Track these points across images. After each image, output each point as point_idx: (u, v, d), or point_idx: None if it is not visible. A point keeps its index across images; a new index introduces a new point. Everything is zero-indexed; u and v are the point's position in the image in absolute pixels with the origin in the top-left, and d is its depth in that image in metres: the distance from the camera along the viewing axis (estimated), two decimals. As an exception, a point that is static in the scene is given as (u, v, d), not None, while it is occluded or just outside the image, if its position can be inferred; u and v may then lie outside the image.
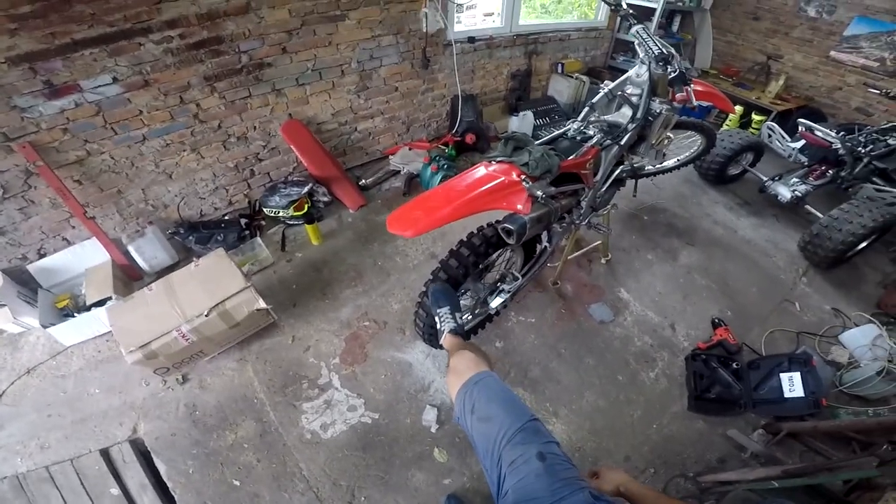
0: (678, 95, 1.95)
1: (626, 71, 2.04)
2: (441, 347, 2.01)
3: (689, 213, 3.27)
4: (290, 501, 1.84)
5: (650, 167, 3.03)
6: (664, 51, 1.82)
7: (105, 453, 1.91)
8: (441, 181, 3.00)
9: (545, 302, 2.60)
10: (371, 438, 2.02)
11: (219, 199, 2.93)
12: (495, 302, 2.22)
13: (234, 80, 2.52)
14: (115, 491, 1.81)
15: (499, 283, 2.23)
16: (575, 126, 2.04)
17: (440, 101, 3.61)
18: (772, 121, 3.58)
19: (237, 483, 1.89)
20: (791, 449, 2.00)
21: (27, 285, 2.44)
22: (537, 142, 1.93)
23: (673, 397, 2.22)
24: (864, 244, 2.87)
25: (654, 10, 4.03)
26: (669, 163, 3.16)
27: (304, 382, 2.19)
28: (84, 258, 2.51)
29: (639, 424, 2.11)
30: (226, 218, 2.93)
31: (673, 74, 1.84)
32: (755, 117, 3.98)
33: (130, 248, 2.56)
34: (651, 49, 1.83)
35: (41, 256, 2.49)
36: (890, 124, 3.17)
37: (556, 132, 2.06)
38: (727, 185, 3.55)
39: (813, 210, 3.05)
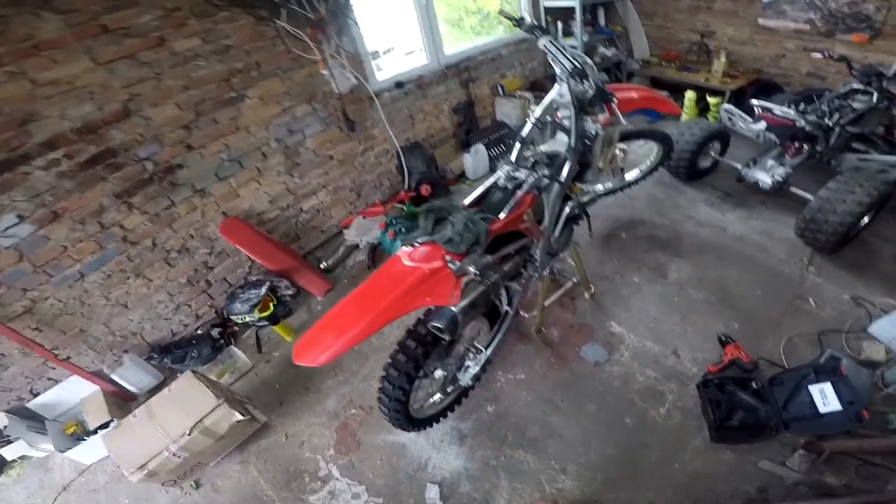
0: (601, 117, 1.82)
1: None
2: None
3: (669, 220, 3.11)
4: None
5: (611, 185, 2.87)
6: (576, 64, 1.64)
7: None
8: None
9: (531, 354, 2.47)
10: None
11: (184, 315, 2.87)
12: (465, 377, 2.09)
13: (148, 192, 2.44)
14: None
15: (464, 361, 2.11)
16: (505, 171, 1.80)
17: (385, 157, 3.52)
18: (727, 102, 3.41)
19: None
20: (842, 466, 1.81)
21: (34, 419, 2.55)
22: (466, 200, 1.79)
23: (691, 431, 2.07)
24: (867, 219, 2.68)
25: (573, 8, 3.92)
26: (630, 175, 2.99)
27: (305, 476, 2.23)
28: (75, 390, 2.59)
29: (658, 467, 1.98)
30: (198, 333, 2.90)
31: (591, 92, 1.67)
32: (710, 100, 3.83)
33: (114, 377, 2.62)
34: (564, 64, 1.66)
35: (35, 395, 2.53)
36: (848, 87, 2.98)
37: (486, 184, 1.87)
38: (702, 180, 3.38)
39: (800, 192, 2.84)
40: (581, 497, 1.94)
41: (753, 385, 2.05)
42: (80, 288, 2.38)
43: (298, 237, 3.25)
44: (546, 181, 1.78)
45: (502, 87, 3.99)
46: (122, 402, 2.65)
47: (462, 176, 3.77)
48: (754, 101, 3.03)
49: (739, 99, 3.70)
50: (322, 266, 3.19)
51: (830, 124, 2.82)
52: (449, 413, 2.22)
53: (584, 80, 1.62)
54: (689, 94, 3.88)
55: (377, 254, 3.16)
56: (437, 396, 2.20)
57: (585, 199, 2.20)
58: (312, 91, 2.89)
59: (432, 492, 2.05)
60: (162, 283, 2.67)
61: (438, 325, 1.50)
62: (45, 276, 2.25)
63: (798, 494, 1.78)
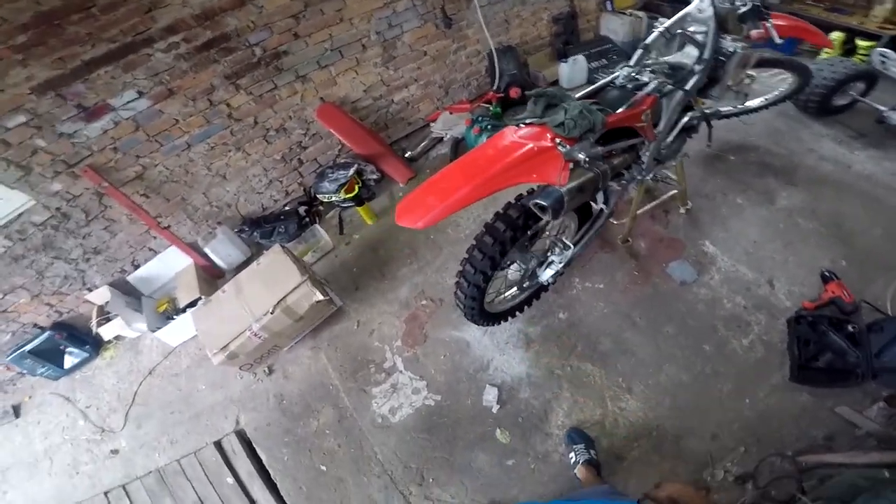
0: (753, 33, 1.72)
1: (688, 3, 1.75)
2: (490, 324, 2.16)
3: (786, 150, 2.85)
4: (369, 484, 2.01)
5: (729, 108, 2.65)
6: None
7: (218, 445, 2.24)
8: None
9: (614, 264, 2.43)
10: (435, 421, 2.10)
11: (275, 191, 3.09)
12: (545, 275, 2.08)
13: (255, 75, 2.59)
14: (231, 480, 2.12)
15: (548, 253, 2.09)
16: (625, 72, 1.74)
17: (476, 58, 3.47)
18: (883, 46, 2.97)
19: (324, 468, 2.11)
20: None
21: (132, 295, 2.88)
22: (577, 94, 1.73)
23: (771, 367, 1.99)
24: None
25: None
26: (754, 103, 2.75)
27: (371, 367, 2.34)
28: (171, 264, 2.87)
29: (728, 399, 1.94)
30: (286, 209, 3.13)
31: (744, 8, 1.61)
32: (860, 44, 3.33)
33: (207, 250, 2.86)
34: None
35: (136, 267, 2.85)
36: None
37: (602, 81, 1.82)
38: (833, 117, 3.03)
39: None
40: (643, 420, 1.93)
41: (850, 328, 1.92)
42: (185, 157, 2.62)
43: (387, 126, 3.35)
44: (670, 88, 1.72)
45: (612, 1, 3.73)
46: (210, 278, 2.89)
47: (554, 84, 3.64)
48: None
49: None
50: (406, 155, 3.30)
51: None
52: (519, 313, 2.25)
53: None
54: (836, 35, 3.43)
55: (460, 148, 3.19)
56: (512, 291, 2.22)
57: (710, 111, 2.06)
58: None
59: (491, 394, 2.09)
60: (259, 158, 2.87)
61: (543, 203, 1.49)
62: (157, 144, 2.48)
63: (865, 446, 1.69)
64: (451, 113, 3.21)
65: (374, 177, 3.11)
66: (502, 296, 2.23)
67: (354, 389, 2.27)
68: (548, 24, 3.67)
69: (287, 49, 2.61)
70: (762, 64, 2.40)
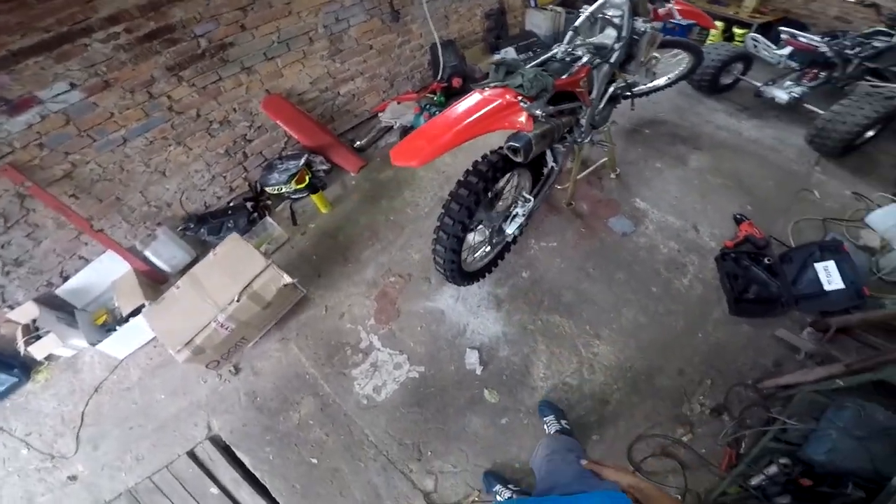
0: (660, 11, 2.11)
1: None
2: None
3: (689, 122, 3.36)
4: (366, 469, 1.95)
5: (642, 86, 3.10)
6: None
7: (192, 455, 2.06)
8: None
9: (563, 224, 2.68)
10: (422, 392, 2.11)
11: (219, 187, 2.98)
12: (511, 227, 2.29)
13: (199, 66, 2.52)
14: (215, 490, 1.96)
15: (511, 208, 2.30)
16: (563, 48, 2.12)
17: (419, 52, 3.65)
18: (754, 32, 3.65)
19: (314, 461, 2.01)
20: (845, 346, 2.00)
21: (63, 309, 2.55)
22: (527, 65, 1.99)
23: (711, 302, 2.28)
24: (870, 133, 2.98)
25: None
26: (660, 81, 3.25)
27: (347, 349, 2.29)
28: (106, 272, 2.60)
29: (684, 335, 2.18)
30: (231, 205, 3.01)
31: None
32: (736, 31, 4.07)
33: (147, 253, 2.65)
34: None
35: (65, 279, 2.57)
36: (873, 29, 3.32)
37: (545, 55, 2.12)
38: (722, 94, 3.64)
39: (813, 108, 3.15)
40: (615, 363, 2.11)
41: (766, 260, 2.30)
42: (121, 153, 2.46)
43: (333, 119, 3.38)
44: (598, 61, 2.08)
45: (536, -1, 4.14)
46: (154, 283, 2.66)
47: (488, 76, 3.93)
48: (783, 28, 3.34)
49: (764, 33, 3.94)
50: (356, 145, 3.34)
51: (850, 54, 3.14)
52: (489, 273, 2.41)
53: None
54: (718, 24, 4.15)
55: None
56: (483, 250, 2.40)
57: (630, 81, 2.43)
58: None
59: (472, 357, 2.16)
60: (201, 153, 2.77)
61: (516, 144, 1.74)
62: (89, 139, 2.32)
63: (809, 366, 1.95)
64: (398, 103, 3.34)
65: (324, 167, 3.12)
66: (475, 255, 2.39)
67: (333, 374, 2.21)
68: (481, 20, 3.97)
69: (233, 41, 2.58)
70: (665, 45, 2.85)
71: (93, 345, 2.33)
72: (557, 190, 2.75)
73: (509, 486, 1.78)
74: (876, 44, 3.21)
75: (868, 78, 3.32)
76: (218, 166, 2.90)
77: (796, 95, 3.19)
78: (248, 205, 2.95)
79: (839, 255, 2.17)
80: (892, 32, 3.22)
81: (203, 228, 2.82)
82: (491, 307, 2.36)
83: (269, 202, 3.05)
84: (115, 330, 2.36)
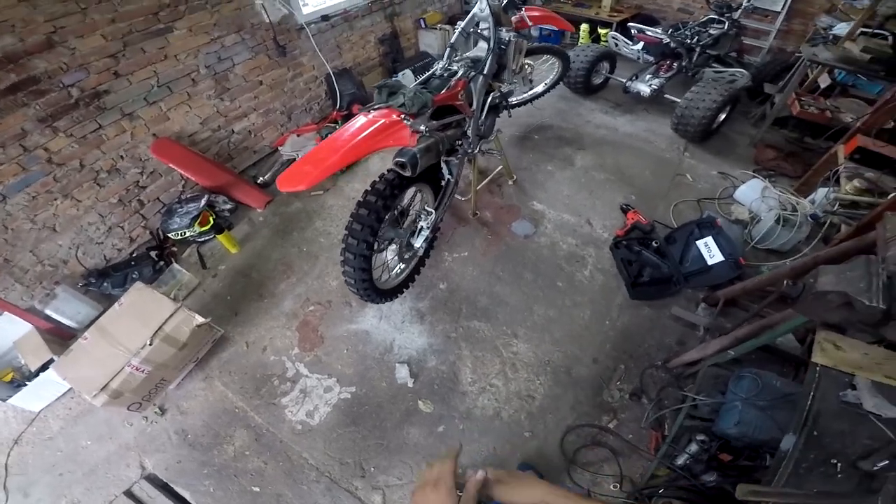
0: (513, 19, 2.34)
1: None
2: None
3: (572, 124, 3.76)
4: (310, 492, 1.98)
5: (524, 94, 3.42)
6: None
7: (130, 494, 2.04)
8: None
9: (471, 233, 2.89)
10: (356, 411, 2.17)
11: (117, 239, 2.87)
12: (418, 241, 2.43)
13: (74, 116, 2.44)
14: None
15: (416, 223, 2.45)
16: (441, 65, 2.31)
17: (314, 83, 3.72)
18: (614, 31, 4.12)
19: (257, 489, 2.01)
20: (736, 317, 2.22)
21: None
22: (411, 85, 2.15)
23: (612, 290, 2.54)
24: (723, 116, 3.49)
25: None
26: (539, 87, 3.62)
27: (274, 380, 2.31)
28: (6, 333, 2.46)
29: (593, 324, 2.39)
30: (134, 255, 2.91)
31: (504, 2, 2.21)
32: (601, 31, 4.57)
33: (49, 312, 2.54)
34: None
35: None
36: (706, 17, 3.87)
37: (426, 74, 2.30)
38: (597, 94, 4.11)
39: (672, 97, 3.63)
40: (534, 358, 2.28)
41: (654, 244, 2.57)
42: (2, 211, 2.32)
43: (231, 157, 3.36)
44: (473, 73, 2.30)
45: (424, 20, 4.38)
46: (60, 339, 2.54)
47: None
48: (631, 24, 3.78)
49: (625, 29, 4.46)
50: (259, 181, 3.33)
51: (691, 43, 3.64)
52: (406, 288, 2.54)
53: None
54: (584, 26, 4.63)
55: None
56: (398, 268, 2.53)
57: (505, 90, 2.65)
58: (241, 22, 3.03)
59: (402, 371, 2.26)
60: (92, 204, 2.66)
61: (402, 160, 1.87)
62: None
63: (707, 340, 2.12)
64: (298, 135, 3.40)
65: (228, 206, 3.10)
66: (391, 273, 2.51)
67: (262, 405, 2.22)
68: (375, 46, 4.13)
69: (108, 88, 2.51)
70: (535, 52, 3.18)
71: (3, 400, 2.23)
72: (462, 202, 2.97)
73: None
74: (712, 31, 3.73)
75: (713, 64, 3.89)
76: (113, 217, 2.78)
77: (656, 88, 3.65)
78: (153, 254, 2.85)
79: (715, 230, 2.46)
80: (723, 20, 3.76)
81: (106, 282, 2.70)
82: (415, 321, 2.48)
83: (174, 248, 2.96)
84: (24, 385, 2.26)
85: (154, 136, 2.83)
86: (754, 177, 3.04)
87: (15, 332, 2.45)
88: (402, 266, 2.53)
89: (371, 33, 4.03)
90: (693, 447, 1.63)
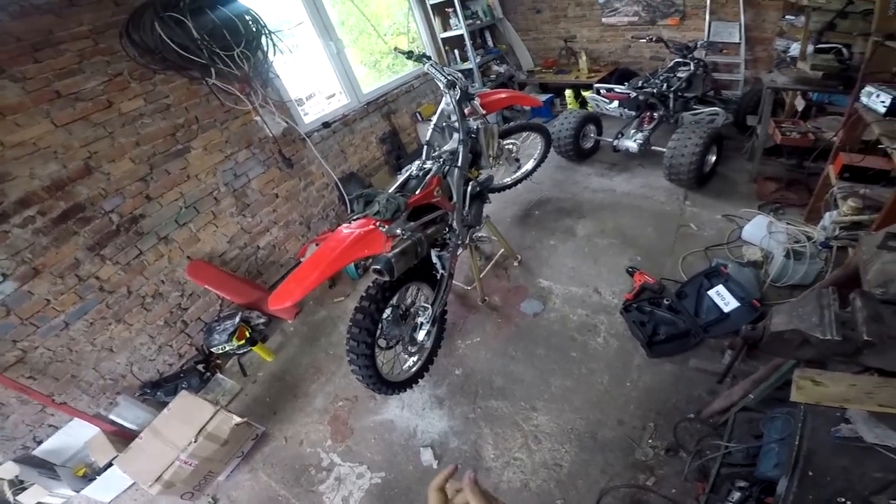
0: (466, 110, 2.54)
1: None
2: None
3: (570, 193, 3.95)
4: None
5: (516, 175, 3.65)
6: (449, 78, 2.41)
7: None
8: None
9: (482, 320, 3.07)
10: (387, 494, 2.34)
11: (167, 355, 3.23)
12: (420, 335, 2.62)
13: (117, 243, 2.83)
14: None
15: (416, 319, 2.65)
16: (416, 164, 2.50)
17: (326, 190, 4.10)
18: (593, 92, 4.21)
19: None
20: (762, 357, 2.15)
21: (43, 466, 2.74)
22: (390, 188, 2.39)
23: (629, 352, 2.58)
24: (713, 157, 3.57)
25: (463, 35, 4.85)
26: (529, 165, 3.82)
27: (311, 469, 2.54)
28: (78, 434, 2.83)
29: (613, 388, 2.43)
30: (184, 368, 3.26)
31: (458, 96, 2.42)
32: (584, 94, 4.72)
33: (112, 417, 2.90)
34: (441, 80, 2.44)
35: (39, 443, 2.73)
36: (673, 62, 4.02)
37: (402, 177, 2.50)
38: (590, 158, 4.28)
39: (658, 147, 3.72)
40: (556, 429, 2.36)
41: (665, 301, 2.61)
42: (66, 336, 2.70)
43: (260, 273, 3.71)
44: (448, 167, 2.48)
45: (420, 113, 4.77)
46: (123, 440, 2.85)
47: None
48: (598, 86, 3.96)
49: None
50: (287, 294, 3.66)
51: (665, 91, 3.77)
52: (420, 379, 2.72)
53: (454, 88, 2.39)
54: (568, 92, 4.88)
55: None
56: (409, 361, 2.73)
57: (482, 178, 2.83)
58: (249, 137, 3.46)
59: (426, 454, 2.43)
60: (142, 327, 3.04)
61: (377, 267, 1.96)
62: (33, 327, 2.56)
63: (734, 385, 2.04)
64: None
65: (262, 321, 3.43)
66: (403, 367, 2.70)
67: (302, 493, 2.43)
68: (378, 145, 4.51)
69: (143, 212, 2.91)
70: (512, 131, 3.35)
71: (77, 492, 2.60)
72: (469, 290, 3.19)
73: None
74: (680, 74, 3.83)
75: (695, 106, 3.96)
76: (161, 337, 3.15)
77: (641, 142, 3.75)
78: (199, 366, 3.21)
79: (723, 277, 2.51)
80: (687, 61, 3.87)
81: (160, 391, 3.06)
82: (434, 407, 2.64)
83: (218, 361, 3.31)
84: (95, 479, 2.62)
85: (188, 259, 3.20)
86: (758, 213, 3.05)
87: (85, 434, 2.82)
88: (415, 359, 2.71)
89: (371, 134, 4.41)
90: (736, 495, 1.60)
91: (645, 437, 2.19)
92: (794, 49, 3.49)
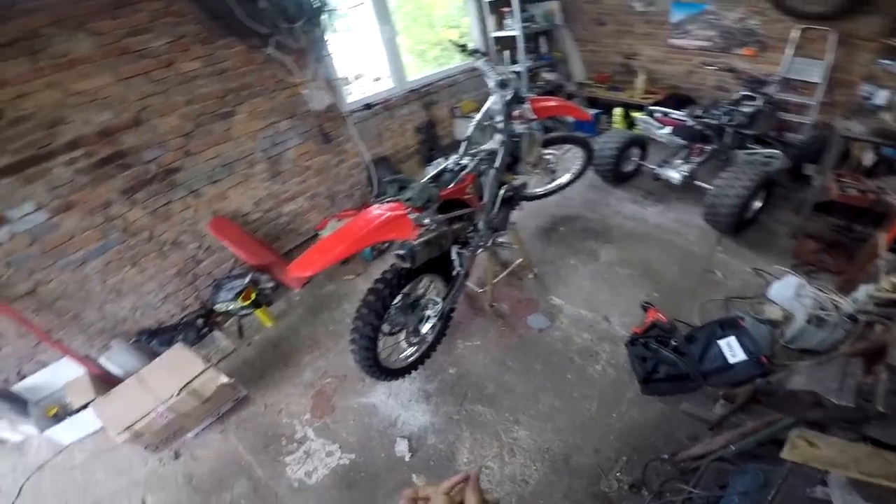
0: (514, 113, 2.50)
1: None
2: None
3: (600, 215, 3.85)
4: None
5: (549, 186, 3.58)
6: (502, 78, 2.37)
7: None
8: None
9: (486, 324, 3.03)
10: (353, 477, 2.34)
11: (171, 305, 3.30)
12: (425, 327, 2.61)
13: (150, 190, 2.91)
14: None
15: (425, 310, 2.63)
16: (453, 159, 2.48)
17: (356, 169, 4.15)
18: (645, 114, 3.93)
19: None
20: (757, 412, 2.09)
21: (17, 401, 2.81)
22: (423, 178, 2.38)
23: (624, 384, 2.54)
24: (758, 203, 3.34)
25: (515, 36, 4.72)
26: (564, 178, 3.73)
27: (282, 440, 2.55)
28: (62, 373, 2.88)
29: (599, 416, 2.40)
30: (183, 321, 3.32)
31: (508, 97, 2.38)
32: (635, 115, 4.43)
33: (101, 360, 2.95)
34: (493, 78, 2.39)
35: (21, 378, 2.81)
36: (740, 94, 3.75)
37: (438, 168, 2.48)
38: (629, 182, 4.14)
39: (703, 184, 3.52)
40: (533, 445, 2.34)
41: (672, 342, 2.53)
42: (80, 273, 2.79)
43: (278, 238, 3.77)
44: (484, 167, 2.46)
45: (459, 108, 4.76)
46: (106, 385, 2.88)
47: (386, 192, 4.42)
48: (652, 108, 3.74)
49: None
50: (299, 262, 3.70)
51: (722, 125, 3.50)
52: (415, 370, 2.70)
53: (506, 89, 2.35)
54: (617, 111, 4.68)
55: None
56: (407, 351, 2.71)
57: (517, 183, 2.78)
58: (293, 109, 3.53)
59: (402, 445, 2.41)
60: (154, 273, 3.12)
61: (401, 253, 2.04)
62: (52, 260, 2.65)
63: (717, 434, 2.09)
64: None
65: (270, 285, 3.47)
66: (401, 355, 2.69)
67: (267, 461, 2.43)
68: (413, 134, 4.54)
69: (180, 165, 3.00)
70: (554, 141, 3.23)
71: (42, 431, 2.60)
72: (480, 293, 3.14)
73: None
74: (744, 109, 3.53)
75: (749, 146, 3.66)
76: (170, 286, 3.22)
77: (686, 173, 3.55)
78: (199, 321, 3.27)
79: (738, 330, 2.43)
80: (755, 96, 3.57)
81: (155, 340, 3.12)
82: (421, 401, 2.62)
83: (219, 319, 3.36)
84: (65, 420, 2.63)
85: (213, 214, 3.28)
86: (790, 273, 2.88)
87: (69, 374, 2.87)
88: (413, 350, 2.70)
89: (409, 122, 4.45)
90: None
91: (615, 469, 2.16)
92: (881, 97, 3.27)
